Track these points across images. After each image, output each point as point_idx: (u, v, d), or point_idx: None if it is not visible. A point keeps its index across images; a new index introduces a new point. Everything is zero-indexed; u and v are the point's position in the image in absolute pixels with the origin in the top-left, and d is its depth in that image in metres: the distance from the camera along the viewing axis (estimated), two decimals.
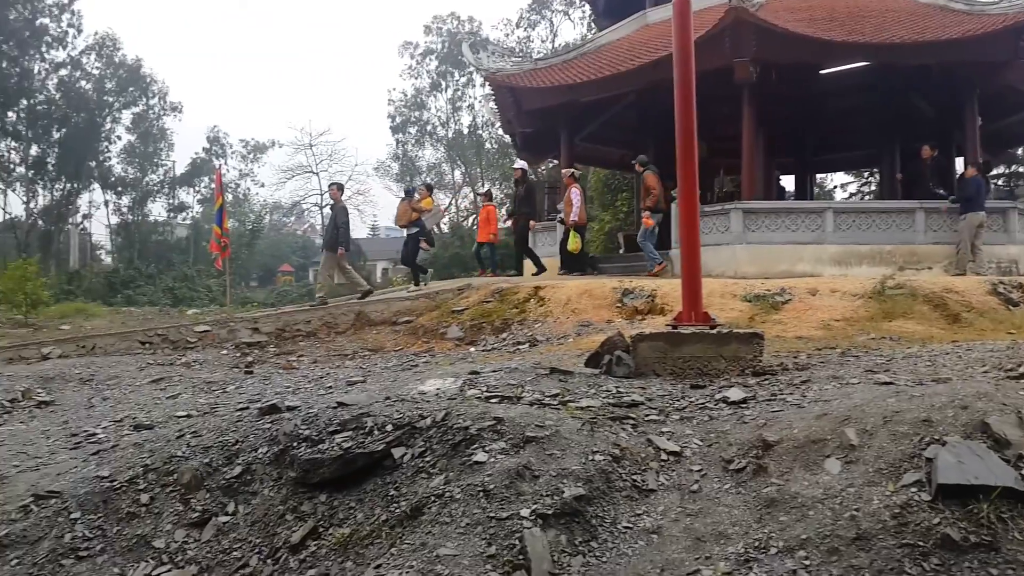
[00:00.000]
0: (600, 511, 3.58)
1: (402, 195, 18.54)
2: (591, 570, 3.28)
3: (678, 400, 4.91)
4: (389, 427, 4.40)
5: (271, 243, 61.88)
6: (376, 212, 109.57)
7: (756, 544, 3.21)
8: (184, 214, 55.84)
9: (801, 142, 22.69)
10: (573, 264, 16.83)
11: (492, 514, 3.47)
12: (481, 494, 3.60)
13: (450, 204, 53.29)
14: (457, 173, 53.33)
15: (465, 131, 51.39)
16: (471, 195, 52.24)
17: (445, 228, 43.99)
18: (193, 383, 9.26)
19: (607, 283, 12.03)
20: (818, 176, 32.35)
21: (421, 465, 4.06)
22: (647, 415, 4.54)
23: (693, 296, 6.35)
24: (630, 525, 3.53)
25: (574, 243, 16.51)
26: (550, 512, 3.46)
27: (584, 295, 11.53)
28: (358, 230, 65.50)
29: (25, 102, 46.53)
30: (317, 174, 56.44)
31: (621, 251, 20.78)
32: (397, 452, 4.19)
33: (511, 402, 4.76)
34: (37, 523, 4.57)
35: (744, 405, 4.66)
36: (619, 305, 11.12)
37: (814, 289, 10.70)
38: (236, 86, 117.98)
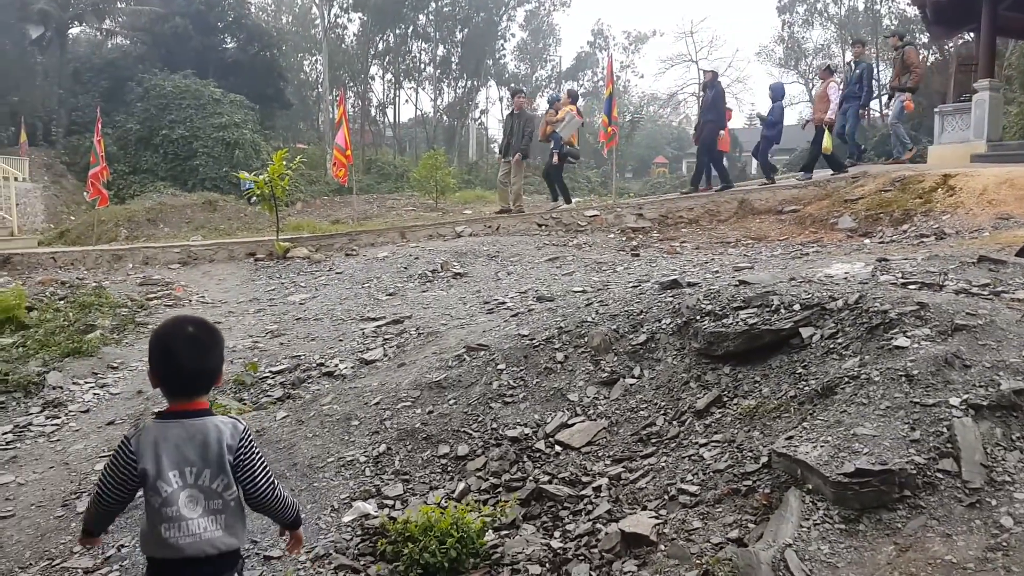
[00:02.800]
0: None
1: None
2: None
3: None
4: (796, 306, 4.31)
5: (647, 134, 62.45)
6: (754, 100, 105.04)
7: None
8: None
9: None
10: (837, 165, 14.81)
11: (915, 400, 3.28)
12: (903, 379, 3.42)
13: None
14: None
15: (860, 7, 46.84)
16: None
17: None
18: (584, 263, 9.82)
19: None
20: None
21: (832, 346, 3.94)
22: None
23: None
24: None
25: (828, 143, 14.51)
26: (983, 403, 3.19)
27: (1004, 184, 10.16)
28: (735, 120, 63.58)
29: (433, 5, 51.16)
30: (696, 62, 55.33)
31: None
32: (806, 332, 4.11)
33: (932, 289, 4.41)
34: (469, 371, 5.23)
35: None
36: None
37: None
38: None
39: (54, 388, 6.89)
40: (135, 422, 6.25)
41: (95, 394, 7.00)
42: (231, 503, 2.45)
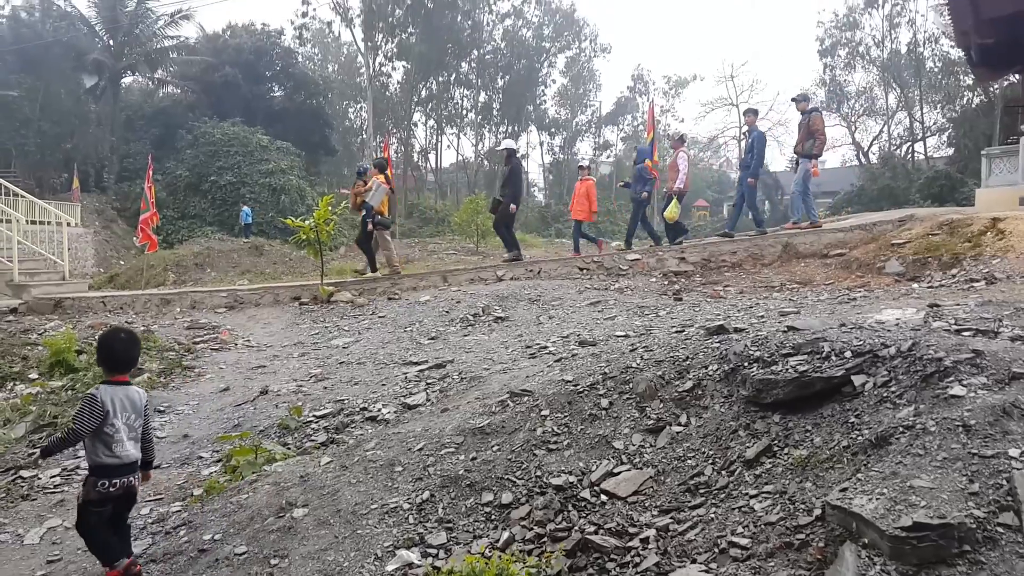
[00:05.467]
0: None
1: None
2: None
3: None
4: (848, 353, 4.23)
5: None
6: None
7: None
8: (608, 152, 58.72)
9: None
10: (673, 234, 15.49)
11: (973, 451, 3.18)
12: (960, 429, 3.32)
13: (881, 131, 49.07)
14: (891, 97, 48.71)
15: (903, 50, 46.59)
16: (906, 120, 47.52)
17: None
18: (627, 307, 9.76)
19: None
20: None
21: (885, 395, 3.85)
22: None
23: None
24: None
25: (672, 211, 14.92)
26: None
27: None
28: (776, 161, 63.60)
29: (476, 53, 52.13)
30: (737, 106, 55.46)
31: None
32: (858, 379, 4.01)
33: (988, 336, 4.30)
34: (513, 417, 5.19)
35: None
36: None
37: None
38: (661, 21, 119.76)
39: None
40: (181, 466, 6.31)
41: None
42: (139, 434, 4.37)
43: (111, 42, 41.50)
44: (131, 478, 4.28)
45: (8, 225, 13.68)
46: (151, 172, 19.63)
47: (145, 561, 4.51)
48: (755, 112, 15.19)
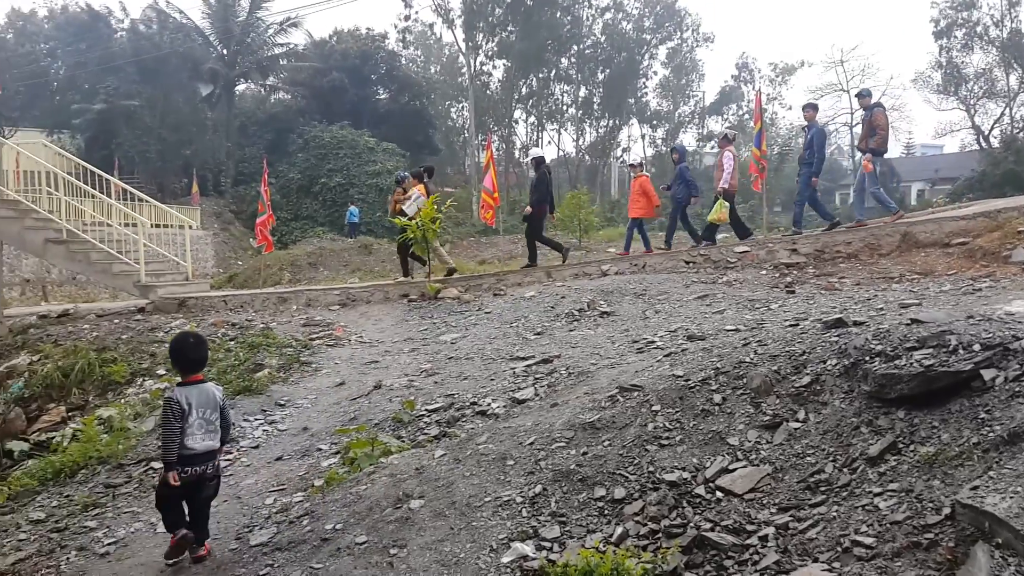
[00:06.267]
0: None
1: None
2: None
3: None
4: (976, 347, 4.04)
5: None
6: (911, 129, 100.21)
7: None
8: (712, 143, 57.63)
9: None
10: (709, 234, 14.79)
11: None
12: None
13: (1002, 114, 46.39)
14: (1012, 78, 45.96)
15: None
16: None
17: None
18: (736, 300, 9.56)
19: None
20: None
21: (1018, 389, 3.67)
22: None
23: None
24: None
25: (718, 213, 14.22)
26: None
27: None
28: (892, 148, 61.22)
29: (575, 48, 51.96)
30: (847, 91, 53.47)
31: None
32: (987, 374, 3.84)
33: None
34: (623, 412, 5.18)
35: None
36: None
37: None
38: (766, 8, 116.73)
39: None
40: (301, 458, 6.55)
41: (264, 430, 7.38)
42: (217, 426, 4.88)
43: (224, 52, 43.31)
44: (204, 467, 4.82)
45: (134, 229, 14.45)
46: (266, 176, 20.36)
47: (271, 549, 4.72)
48: (815, 107, 14.59)
